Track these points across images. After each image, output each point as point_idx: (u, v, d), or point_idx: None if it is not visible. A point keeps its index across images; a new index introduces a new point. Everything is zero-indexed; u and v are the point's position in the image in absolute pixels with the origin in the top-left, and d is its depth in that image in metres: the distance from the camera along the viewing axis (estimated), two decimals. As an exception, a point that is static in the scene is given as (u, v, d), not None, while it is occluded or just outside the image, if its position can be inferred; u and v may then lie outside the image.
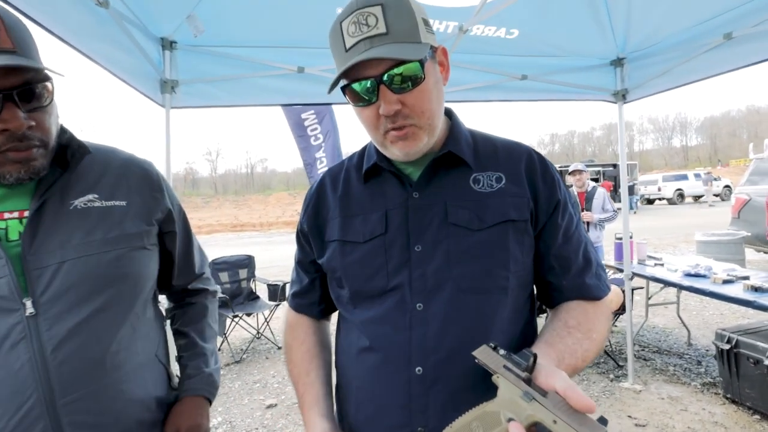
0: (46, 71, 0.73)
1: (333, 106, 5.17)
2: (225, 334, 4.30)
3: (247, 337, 4.62)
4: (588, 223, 4.48)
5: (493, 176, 0.81)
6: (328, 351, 0.95)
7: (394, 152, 0.77)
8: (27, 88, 0.70)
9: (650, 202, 25.70)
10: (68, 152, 0.81)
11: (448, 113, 0.88)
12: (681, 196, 24.49)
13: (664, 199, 25.00)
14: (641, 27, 2.62)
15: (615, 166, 19.07)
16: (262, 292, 4.99)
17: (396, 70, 0.69)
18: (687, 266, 3.56)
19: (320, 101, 2.92)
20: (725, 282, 3.07)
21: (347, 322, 0.85)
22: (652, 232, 11.95)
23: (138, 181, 0.91)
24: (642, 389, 3.22)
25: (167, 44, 2.48)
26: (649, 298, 4.32)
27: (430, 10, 2.26)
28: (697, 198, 24.80)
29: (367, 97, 0.72)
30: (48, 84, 0.74)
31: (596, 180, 20.73)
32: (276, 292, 4.57)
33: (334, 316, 0.98)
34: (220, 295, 3.63)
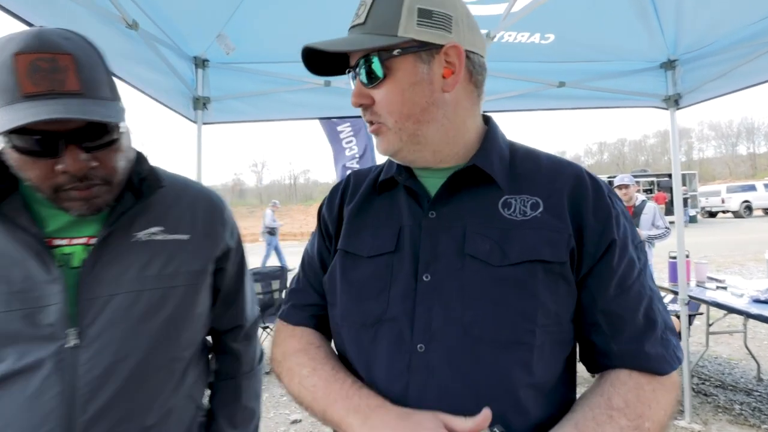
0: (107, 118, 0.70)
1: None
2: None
3: (279, 349, 4.64)
4: (636, 240, 4.15)
5: (528, 201, 0.66)
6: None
7: (376, 147, 0.71)
8: (89, 128, 0.68)
9: (712, 215, 23.79)
10: (144, 184, 0.81)
11: (486, 120, 0.77)
12: (749, 208, 22.45)
13: (728, 211, 23.05)
14: (694, 25, 2.39)
15: (670, 176, 17.96)
16: (295, 304, 5.02)
17: (361, 61, 0.65)
18: (755, 291, 3.18)
19: (347, 114, 2.90)
20: (802, 309, 2.70)
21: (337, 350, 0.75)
22: (714, 249, 10.99)
23: (204, 214, 0.89)
24: (701, 429, 2.87)
25: (200, 63, 2.56)
26: (710, 325, 3.91)
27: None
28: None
29: (353, 87, 0.69)
30: (114, 124, 0.72)
31: (650, 191, 19.52)
32: (308, 305, 4.57)
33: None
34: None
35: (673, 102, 2.84)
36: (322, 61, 0.70)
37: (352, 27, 0.67)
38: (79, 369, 0.70)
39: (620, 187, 4.39)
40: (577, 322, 0.67)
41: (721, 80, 2.53)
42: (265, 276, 4.69)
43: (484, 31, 2.30)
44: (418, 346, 0.63)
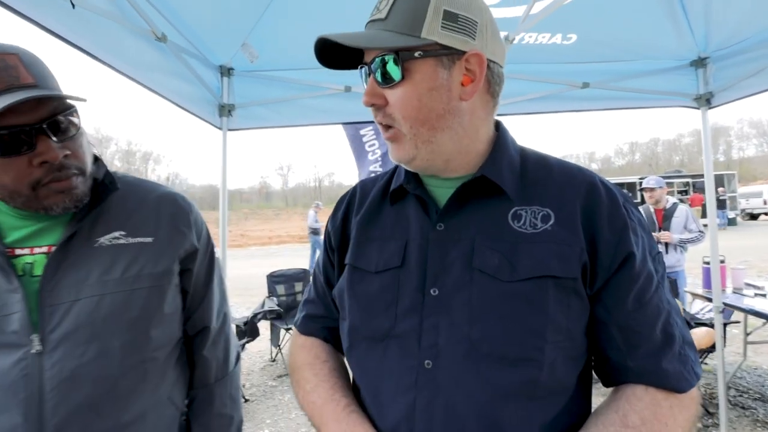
0: (68, 100, 0.75)
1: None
2: (279, 345, 4.41)
3: (302, 350, 4.71)
4: (666, 245, 3.97)
5: (539, 213, 0.64)
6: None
7: (390, 153, 0.69)
8: (55, 119, 0.72)
9: (754, 217, 22.59)
10: (99, 188, 0.82)
11: (496, 126, 0.74)
12: (793, 210, 21.24)
13: (771, 213, 21.86)
14: (725, 22, 2.29)
15: (708, 176, 17.14)
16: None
17: (378, 59, 0.62)
18: (797, 297, 3.01)
19: (368, 119, 2.92)
20: None
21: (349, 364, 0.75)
22: (755, 253, 10.43)
23: (168, 216, 0.89)
24: (738, 442, 2.74)
25: (225, 71, 2.64)
26: (748, 334, 3.71)
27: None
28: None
29: (365, 83, 0.67)
30: (73, 113, 0.76)
31: (685, 192, 18.72)
32: (330, 307, 4.62)
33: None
34: (274, 307, 3.67)
35: (705, 101, 2.72)
36: (335, 54, 0.67)
37: (372, 21, 0.64)
38: (45, 374, 0.72)
39: (646, 189, 4.21)
40: (590, 336, 0.65)
41: (755, 77, 2.42)
42: (288, 278, 4.77)
43: (503, 34, 2.28)
44: (425, 362, 0.62)
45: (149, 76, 2.00)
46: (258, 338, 3.94)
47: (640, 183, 4.70)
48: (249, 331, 3.67)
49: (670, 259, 3.95)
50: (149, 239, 0.85)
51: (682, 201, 4.39)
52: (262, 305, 4.34)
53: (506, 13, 2.07)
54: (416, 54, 0.60)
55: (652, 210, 4.20)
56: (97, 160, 0.87)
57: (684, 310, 3.26)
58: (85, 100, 0.75)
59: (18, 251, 0.77)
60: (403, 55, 0.60)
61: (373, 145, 5.61)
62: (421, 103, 0.62)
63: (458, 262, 0.64)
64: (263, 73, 2.68)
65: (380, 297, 0.68)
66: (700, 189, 17.68)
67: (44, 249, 0.78)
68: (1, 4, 1.19)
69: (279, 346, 4.43)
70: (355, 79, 2.65)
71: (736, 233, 15.87)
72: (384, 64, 0.62)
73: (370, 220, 0.76)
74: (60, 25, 1.40)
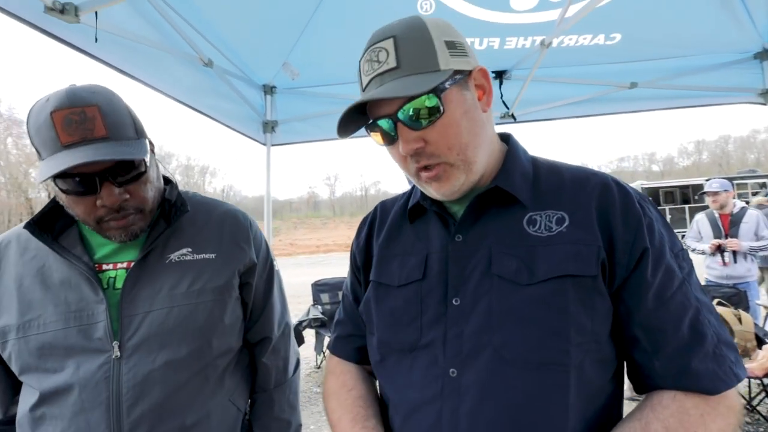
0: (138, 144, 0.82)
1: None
2: (324, 353, 4.50)
3: (346, 358, 4.77)
4: (735, 253, 3.61)
5: (553, 216, 0.65)
6: (379, 408, 0.77)
7: (432, 192, 0.69)
8: (119, 167, 0.79)
9: None
10: (172, 210, 0.91)
11: (505, 138, 0.76)
12: None
13: None
14: (794, 9, 2.10)
15: (788, 175, 15.48)
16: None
17: (409, 105, 0.62)
18: None
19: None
20: None
21: (377, 378, 0.77)
22: None
23: (229, 233, 0.96)
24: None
25: (268, 90, 2.78)
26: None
27: (512, 29, 2.16)
28: None
29: (389, 137, 0.66)
30: (139, 160, 0.82)
31: (758, 194, 17.07)
32: (373, 316, 4.65)
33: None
34: (319, 315, 3.75)
35: (773, 96, 2.49)
36: (347, 117, 0.67)
37: (381, 74, 0.63)
38: (123, 378, 0.80)
39: (708, 193, 3.85)
40: (616, 339, 0.63)
41: (833, 68, 2.19)
42: (332, 287, 4.87)
43: (539, 38, 2.23)
44: (451, 370, 0.63)
45: (197, 99, 2.16)
46: (303, 345, 4.04)
47: (697, 186, 4.31)
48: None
49: (738, 268, 3.60)
50: (212, 255, 0.92)
51: (748, 205, 3.95)
52: (307, 313, 4.46)
53: (541, 18, 2.02)
54: (447, 85, 0.63)
55: (716, 215, 3.85)
56: (169, 182, 0.96)
57: (756, 324, 2.96)
58: (146, 154, 0.80)
59: (104, 266, 0.87)
60: (438, 90, 0.62)
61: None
62: (461, 128, 0.64)
63: (477, 271, 0.65)
64: (303, 90, 2.79)
65: (405, 310, 0.70)
66: (778, 190, 16.02)
67: (125, 264, 0.87)
68: (70, 46, 1.35)
69: (323, 353, 4.52)
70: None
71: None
72: (423, 106, 0.62)
73: (391, 238, 0.78)
74: (117, 57, 1.54)
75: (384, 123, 0.65)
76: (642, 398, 0.63)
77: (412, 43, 0.62)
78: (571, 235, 0.62)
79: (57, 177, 0.76)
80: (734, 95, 2.58)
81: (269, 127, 2.81)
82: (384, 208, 0.85)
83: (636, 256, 0.61)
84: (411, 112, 0.62)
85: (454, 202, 0.73)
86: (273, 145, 2.88)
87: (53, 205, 0.86)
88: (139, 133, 0.84)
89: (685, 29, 2.24)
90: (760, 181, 17.29)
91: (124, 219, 0.82)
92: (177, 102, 1.99)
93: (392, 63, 0.62)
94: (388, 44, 0.63)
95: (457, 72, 0.63)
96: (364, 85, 0.66)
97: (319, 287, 4.82)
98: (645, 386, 0.63)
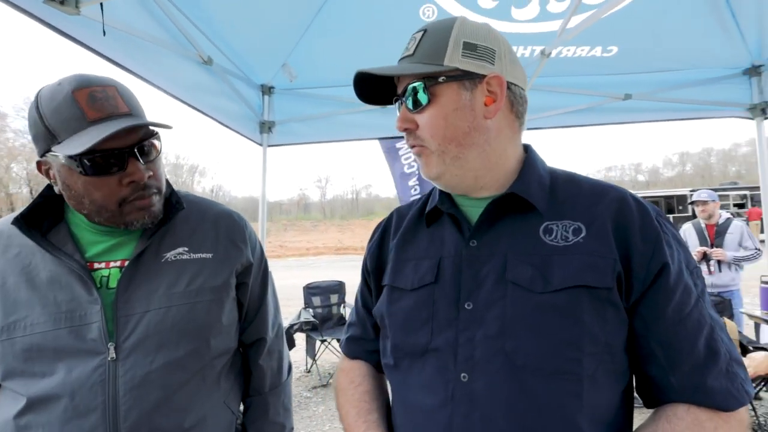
0: (152, 127, 0.83)
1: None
2: (314, 357, 4.47)
3: (335, 361, 4.74)
4: (719, 262, 3.70)
5: (570, 227, 0.65)
6: (387, 404, 0.81)
7: (420, 170, 0.74)
8: (142, 143, 0.79)
9: (822, 232, 20.71)
10: (167, 207, 0.88)
11: (525, 149, 0.78)
12: None
13: (844, 229, 19.95)
14: (783, 28, 2.17)
15: (768, 188, 15.91)
16: (351, 317, 5.11)
17: (409, 88, 0.69)
18: None
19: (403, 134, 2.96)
20: None
21: (389, 383, 0.78)
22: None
23: (225, 232, 0.95)
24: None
25: (266, 90, 2.77)
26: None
27: (512, 38, 2.19)
28: None
29: (399, 113, 0.72)
30: (157, 138, 0.84)
31: (741, 206, 17.47)
32: (364, 320, 4.64)
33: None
34: (310, 318, 3.73)
35: (760, 111, 2.56)
36: (372, 89, 0.75)
37: (401, 59, 0.71)
38: (119, 380, 0.77)
39: (697, 203, 3.95)
40: (631, 353, 0.64)
41: (819, 85, 2.26)
42: (324, 290, 4.84)
43: (539, 48, 2.26)
44: (462, 375, 0.63)
45: (195, 97, 2.13)
46: (294, 349, 4.01)
47: (692, 195, 4.41)
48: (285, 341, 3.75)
49: (723, 277, 3.68)
50: (209, 255, 0.90)
51: (739, 215, 4.08)
52: (298, 316, 4.42)
53: (541, 28, 2.06)
54: (440, 79, 0.67)
55: (703, 225, 3.93)
56: (166, 182, 0.93)
57: (740, 332, 3.02)
58: (171, 128, 0.83)
59: (96, 265, 0.83)
60: (428, 81, 0.67)
61: (409, 158, 5.64)
62: (447, 122, 0.67)
63: (491, 276, 0.66)
64: (302, 91, 2.78)
65: (417, 313, 0.70)
66: (758, 202, 16.47)
67: (118, 263, 0.84)
68: (67, 36, 1.32)
69: (314, 357, 4.48)
70: (389, 95, 2.71)
71: (802, 250, 14.57)
72: (414, 91, 0.68)
73: (406, 242, 0.79)
74: (117, 52, 1.52)
75: (399, 100, 0.72)
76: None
77: (432, 37, 0.68)
78: (588, 246, 0.63)
79: (83, 156, 0.74)
80: (724, 109, 2.65)
81: (266, 127, 2.79)
82: (400, 214, 0.86)
83: (654, 271, 0.61)
84: (408, 95, 0.69)
85: (470, 206, 0.74)
86: (269, 146, 2.87)
87: (41, 200, 0.83)
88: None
89: (680, 44, 2.30)
90: (742, 193, 17.72)
91: (149, 198, 0.81)
92: (175, 99, 1.97)
93: (411, 51, 0.70)
94: (419, 35, 0.70)
95: (461, 71, 0.66)
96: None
97: (310, 290, 4.79)
98: (657, 401, 0.63)
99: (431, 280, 0.70)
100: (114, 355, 0.78)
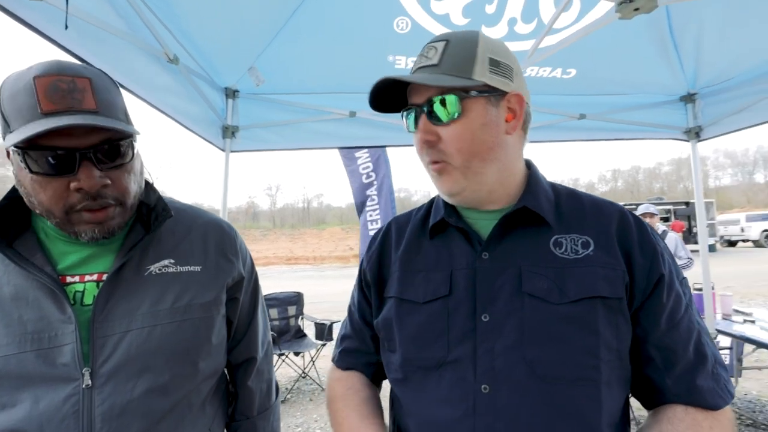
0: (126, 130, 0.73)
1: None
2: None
3: (293, 375, 4.59)
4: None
5: (578, 240, 0.69)
6: (383, 417, 0.78)
7: (438, 187, 0.73)
8: (104, 146, 0.69)
9: (732, 244, 23.26)
10: (153, 214, 0.80)
11: (528, 164, 0.80)
12: (769, 238, 21.92)
13: (748, 240, 22.52)
14: (714, 61, 2.43)
15: (687, 204, 17.60)
16: (309, 329, 4.99)
17: (435, 99, 0.67)
18: (786, 325, 3.08)
19: (371, 144, 2.96)
20: (838, 347, 2.60)
21: (396, 397, 0.75)
22: (736, 279, 10.69)
23: (216, 244, 0.87)
24: (735, 471, 2.73)
25: (230, 93, 2.67)
26: (740, 360, 3.77)
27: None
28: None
29: (413, 124, 0.71)
30: (129, 142, 0.73)
31: (666, 219, 19.21)
32: (323, 331, 4.54)
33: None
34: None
35: (694, 134, 2.85)
36: (383, 97, 0.73)
37: (422, 67, 0.69)
38: (95, 411, 0.68)
39: (645, 215, 4.33)
40: (632, 357, 0.68)
41: (743, 114, 2.55)
42: (281, 302, 4.69)
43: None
44: (482, 387, 0.64)
45: (158, 96, 2.00)
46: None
47: (635, 208, 4.83)
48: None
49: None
50: (197, 268, 0.83)
51: (667, 229, 4.53)
52: (254, 328, 4.24)
53: (512, 48, 2.15)
54: (472, 93, 0.67)
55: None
56: (147, 187, 0.85)
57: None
58: (138, 134, 0.73)
59: (69, 279, 0.74)
60: (461, 94, 0.67)
61: (368, 167, 5.66)
62: (474, 137, 0.67)
63: (507, 288, 0.67)
64: (268, 97, 2.71)
65: (430, 326, 0.69)
66: (680, 216, 18.18)
67: (94, 277, 0.75)
68: (16, 19, 1.20)
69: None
70: (360, 104, 2.70)
71: (716, 260, 16.26)
72: (443, 103, 0.67)
73: (412, 254, 0.78)
74: (74, 42, 1.40)
75: (412, 111, 0.71)
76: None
77: (458, 49, 0.68)
78: (600, 259, 0.67)
79: (28, 150, 0.64)
80: (664, 131, 2.91)
81: (229, 132, 2.69)
82: (398, 223, 0.85)
83: (653, 281, 0.66)
84: (433, 107, 0.67)
85: (478, 219, 0.75)
86: (232, 152, 2.75)
87: (5, 204, 0.73)
88: (128, 120, 0.74)
89: (629, 70, 2.50)
90: (666, 207, 19.47)
91: (102, 211, 0.71)
92: (138, 98, 1.84)
93: (434, 60, 0.68)
94: (440, 45, 0.69)
95: (489, 87, 0.67)
96: (411, 73, 0.71)
97: (267, 302, 4.60)
98: (654, 402, 0.68)
99: (445, 293, 0.70)
100: (89, 382, 0.69)
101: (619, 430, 0.66)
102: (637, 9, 1.29)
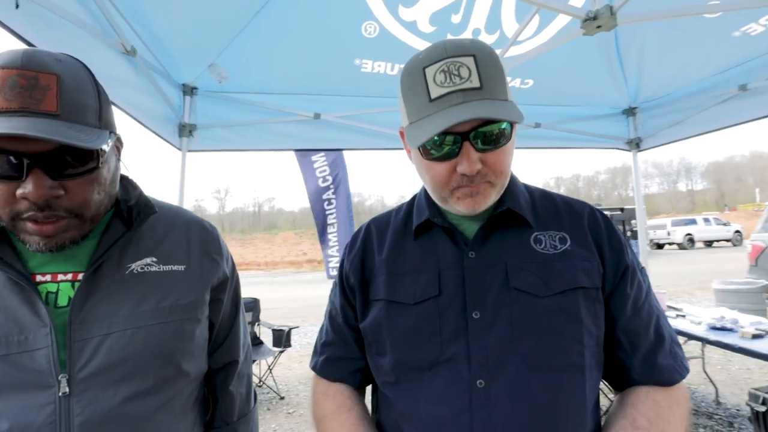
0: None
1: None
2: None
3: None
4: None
5: (555, 236, 0.73)
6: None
7: (457, 208, 0.70)
8: (62, 153, 0.62)
9: (659, 246, 25.38)
10: (134, 211, 0.75)
11: None
12: (691, 240, 24.19)
13: (674, 243, 24.72)
14: (654, 77, 2.67)
15: (622, 209, 19.01)
16: (265, 336, 4.84)
17: (485, 129, 0.63)
18: (711, 318, 3.41)
19: (334, 147, 2.94)
20: (755, 337, 2.92)
21: (387, 399, 0.74)
22: (664, 279, 11.68)
23: (198, 243, 0.84)
24: (672, 454, 2.98)
25: (188, 90, 2.55)
26: (672, 352, 4.11)
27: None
28: (708, 243, 24.48)
29: (446, 153, 0.65)
30: (94, 150, 0.65)
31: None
32: (281, 338, 4.42)
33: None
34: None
35: (635, 145, 3.10)
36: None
37: (463, 90, 0.62)
38: (74, 420, 0.64)
39: None
40: (605, 341, 0.73)
41: (677, 127, 2.81)
42: (236, 307, 4.51)
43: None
44: (478, 382, 0.65)
45: (112, 89, 1.87)
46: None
47: None
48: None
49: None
50: (181, 267, 0.79)
51: None
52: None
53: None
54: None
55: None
56: (126, 183, 0.79)
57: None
58: (92, 149, 0.64)
59: (39, 278, 0.68)
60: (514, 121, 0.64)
61: (324, 171, 5.61)
62: (509, 157, 0.70)
63: (495, 285, 0.69)
64: (229, 95, 2.62)
65: (422, 326, 0.70)
66: (616, 221, 19.59)
67: (69, 276, 0.69)
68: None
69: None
70: (325, 106, 2.68)
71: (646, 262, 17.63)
72: (498, 130, 0.64)
73: (397, 256, 0.78)
74: (21, 24, 1.28)
75: (451, 139, 0.64)
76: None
77: (492, 68, 0.64)
78: (577, 252, 0.71)
79: None
80: (609, 141, 3.15)
81: (186, 130, 2.56)
82: (378, 225, 0.85)
83: (620, 272, 0.72)
84: (484, 135, 0.64)
85: (462, 220, 0.77)
86: (189, 151, 2.63)
87: None
88: (102, 123, 0.67)
89: (580, 84, 2.68)
90: (605, 212, 20.89)
91: (51, 224, 0.63)
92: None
93: (476, 83, 0.62)
94: (469, 62, 0.62)
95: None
96: (434, 95, 0.63)
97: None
98: (622, 383, 0.73)
99: (435, 293, 0.71)
100: (66, 389, 0.64)
101: (597, 409, 0.71)
102: (599, 26, 1.39)
